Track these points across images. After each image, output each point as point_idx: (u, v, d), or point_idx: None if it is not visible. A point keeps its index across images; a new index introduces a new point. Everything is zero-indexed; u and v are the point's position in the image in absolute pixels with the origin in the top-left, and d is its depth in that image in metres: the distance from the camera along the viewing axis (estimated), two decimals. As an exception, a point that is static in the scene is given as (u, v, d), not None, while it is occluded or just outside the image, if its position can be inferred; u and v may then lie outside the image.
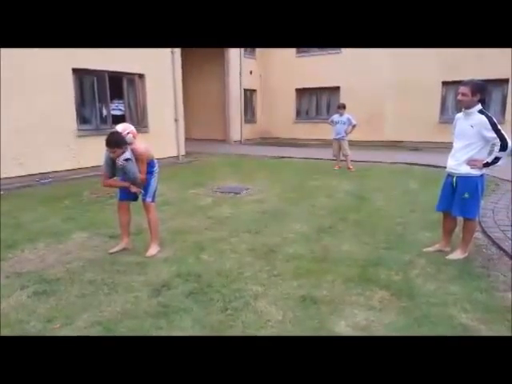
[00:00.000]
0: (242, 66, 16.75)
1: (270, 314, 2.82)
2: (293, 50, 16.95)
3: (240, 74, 16.73)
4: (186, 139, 12.26)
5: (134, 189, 3.87)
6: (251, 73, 17.56)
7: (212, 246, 4.20)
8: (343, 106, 9.39)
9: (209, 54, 15.81)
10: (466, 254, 3.83)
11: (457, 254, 3.82)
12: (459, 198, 3.69)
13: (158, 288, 3.22)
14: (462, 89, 3.54)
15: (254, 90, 18.21)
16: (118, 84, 9.94)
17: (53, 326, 2.69)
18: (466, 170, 3.63)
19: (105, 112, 9.76)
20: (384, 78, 14.98)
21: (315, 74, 16.38)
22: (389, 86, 14.93)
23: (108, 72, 9.44)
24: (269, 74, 18.01)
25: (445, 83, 14.08)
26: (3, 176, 7.48)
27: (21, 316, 2.80)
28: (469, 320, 2.73)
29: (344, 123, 9.25)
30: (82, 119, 9.19)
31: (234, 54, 16.34)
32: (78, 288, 3.25)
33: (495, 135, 3.45)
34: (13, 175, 7.65)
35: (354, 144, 10.38)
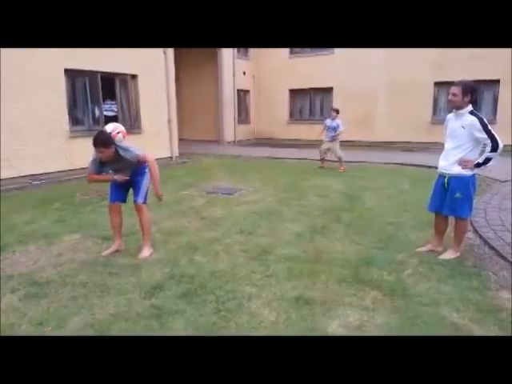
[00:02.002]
0: (235, 66, 16.74)
1: (264, 315, 2.81)
2: (286, 51, 16.99)
3: (233, 75, 16.72)
4: (180, 140, 12.23)
5: (118, 177, 3.82)
6: (244, 73, 17.56)
7: (205, 247, 4.19)
8: (336, 111, 9.52)
9: (202, 54, 15.79)
10: (458, 254, 3.85)
11: (449, 254, 3.84)
12: (451, 198, 3.72)
13: (151, 290, 3.20)
14: (453, 89, 3.56)
15: (248, 91, 18.22)
16: (110, 85, 9.89)
17: (44, 328, 2.66)
18: (457, 170, 3.66)
19: (97, 113, 9.70)
20: (377, 79, 15.06)
21: (308, 75, 16.43)
22: (382, 86, 15.02)
23: (100, 72, 9.39)
24: (262, 75, 18.02)
25: (437, 84, 14.18)
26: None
27: (12, 319, 2.77)
28: (460, 319, 2.74)
29: (334, 129, 9.42)
30: (75, 120, 9.13)
31: (227, 55, 16.33)
32: (69, 290, 3.22)
33: (486, 136, 3.47)
34: (4, 177, 7.58)
35: (346, 144, 10.42)
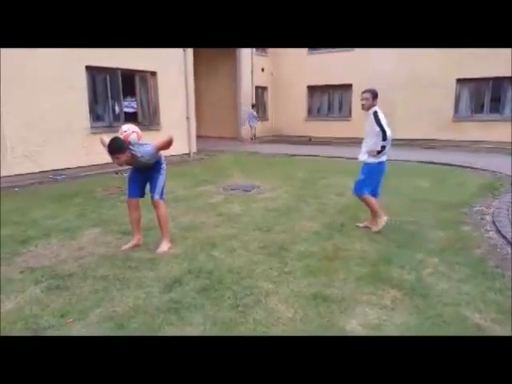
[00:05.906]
0: (253, 63, 16.74)
1: (281, 312, 2.81)
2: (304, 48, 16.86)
3: (251, 72, 16.72)
4: (198, 137, 12.30)
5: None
6: (263, 70, 17.53)
7: (223, 242, 4.21)
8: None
9: (220, 51, 15.79)
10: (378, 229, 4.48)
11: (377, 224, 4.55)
12: (356, 179, 4.58)
13: (170, 284, 3.24)
14: (364, 95, 4.40)
15: (266, 88, 18.19)
16: (130, 81, 10.01)
17: (66, 320, 2.71)
18: (363, 157, 4.53)
19: (117, 109, 9.84)
20: (397, 76, 14.82)
21: (327, 72, 16.30)
22: (402, 83, 14.77)
23: (120, 69, 9.51)
24: (280, 72, 17.96)
25: (459, 80, 13.89)
26: (16, 173, 7.59)
27: (34, 311, 2.84)
28: (482, 320, 2.69)
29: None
30: (95, 116, 9.27)
31: (246, 52, 16.34)
32: (90, 283, 3.28)
33: (379, 129, 4.23)
34: (25, 172, 7.76)
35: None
